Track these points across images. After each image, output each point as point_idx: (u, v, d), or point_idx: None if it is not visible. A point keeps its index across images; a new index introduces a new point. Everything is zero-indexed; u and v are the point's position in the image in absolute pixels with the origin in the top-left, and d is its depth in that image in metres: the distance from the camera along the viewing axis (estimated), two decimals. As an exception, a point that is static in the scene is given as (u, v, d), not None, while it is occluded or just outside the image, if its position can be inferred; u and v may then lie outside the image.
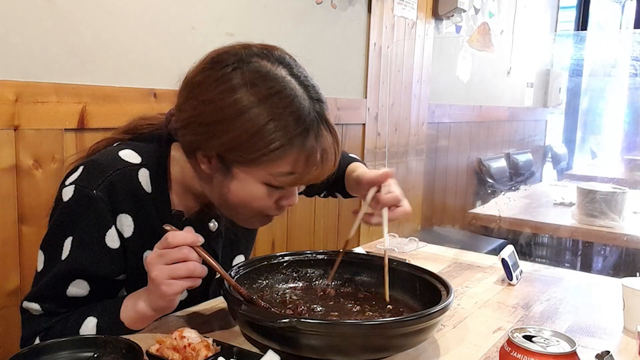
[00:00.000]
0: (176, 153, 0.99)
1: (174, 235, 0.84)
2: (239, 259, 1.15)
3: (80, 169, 0.93)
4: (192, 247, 0.84)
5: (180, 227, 0.96)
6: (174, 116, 0.94)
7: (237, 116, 0.84)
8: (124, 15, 1.51)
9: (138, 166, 0.95)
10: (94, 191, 0.90)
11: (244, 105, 0.83)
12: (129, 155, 0.96)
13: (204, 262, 0.86)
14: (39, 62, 1.35)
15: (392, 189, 1.04)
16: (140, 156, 0.97)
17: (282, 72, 0.86)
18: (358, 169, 1.17)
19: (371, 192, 1.04)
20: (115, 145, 1.00)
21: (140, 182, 0.95)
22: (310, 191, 1.29)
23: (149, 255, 0.85)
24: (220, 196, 0.93)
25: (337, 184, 1.23)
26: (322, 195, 1.32)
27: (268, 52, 0.88)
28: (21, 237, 1.33)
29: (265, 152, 0.84)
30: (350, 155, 1.30)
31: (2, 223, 1.30)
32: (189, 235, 0.85)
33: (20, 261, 1.34)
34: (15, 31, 1.29)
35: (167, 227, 0.86)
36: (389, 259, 1.03)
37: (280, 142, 0.83)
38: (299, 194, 1.28)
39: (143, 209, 0.95)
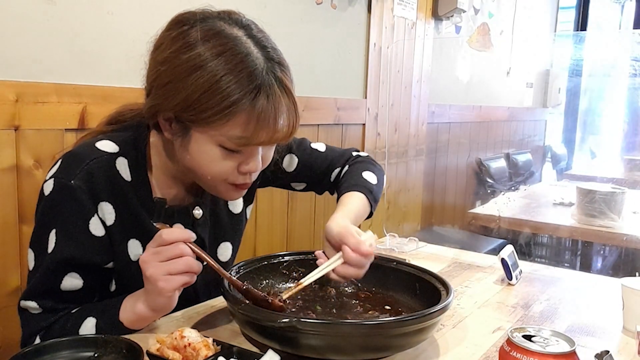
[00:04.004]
0: (154, 139, 0.99)
1: (169, 232, 0.84)
2: (226, 246, 1.14)
3: (59, 162, 0.94)
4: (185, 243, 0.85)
5: (164, 215, 0.96)
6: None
7: (190, 73, 0.84)
8: (124, 15, 1.51)
9: (115, 155, 0.96)
10: (72, 181, 0.90)
11: (196, 62, 0.84)
12: (106, 145, 0.97)
13: (197, 258, 0.86)
14: (40, 62, 1.34)
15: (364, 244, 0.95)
16: (118, 145, 0.97)
17: (238, 32, 0.87)
18: (338, 214, 1.04)
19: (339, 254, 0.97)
20: (94, 138, 1.00)
21: (118, 171, 0.96)
22: (319, 189, 1.28)
23: (142, 255, 0.85)
24: (183, 163, 0.94)
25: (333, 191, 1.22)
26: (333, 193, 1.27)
27: (226, 15, 0.90)
28: (21, 237, 1.33)
29: (216, 110, 0.84)
30: (361, 159, 1.22)
31: (2, 223, 1.30)
32: (184, 231, 0.86)
33: (20, 261, 1.34)
34: (16, 31, 1.29)
35: (158, 226, 0.86)
36: (389, 258, 1.03)
37: (231, 100, 0.83)
38: (304, 189, 1.27)
39: (123, 197, 0.96)
